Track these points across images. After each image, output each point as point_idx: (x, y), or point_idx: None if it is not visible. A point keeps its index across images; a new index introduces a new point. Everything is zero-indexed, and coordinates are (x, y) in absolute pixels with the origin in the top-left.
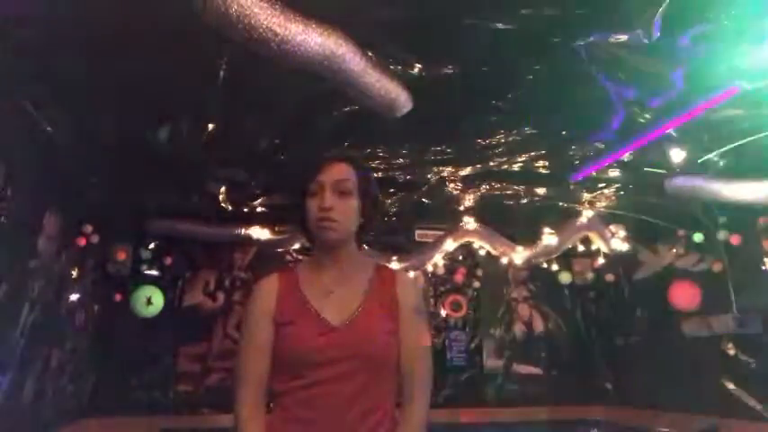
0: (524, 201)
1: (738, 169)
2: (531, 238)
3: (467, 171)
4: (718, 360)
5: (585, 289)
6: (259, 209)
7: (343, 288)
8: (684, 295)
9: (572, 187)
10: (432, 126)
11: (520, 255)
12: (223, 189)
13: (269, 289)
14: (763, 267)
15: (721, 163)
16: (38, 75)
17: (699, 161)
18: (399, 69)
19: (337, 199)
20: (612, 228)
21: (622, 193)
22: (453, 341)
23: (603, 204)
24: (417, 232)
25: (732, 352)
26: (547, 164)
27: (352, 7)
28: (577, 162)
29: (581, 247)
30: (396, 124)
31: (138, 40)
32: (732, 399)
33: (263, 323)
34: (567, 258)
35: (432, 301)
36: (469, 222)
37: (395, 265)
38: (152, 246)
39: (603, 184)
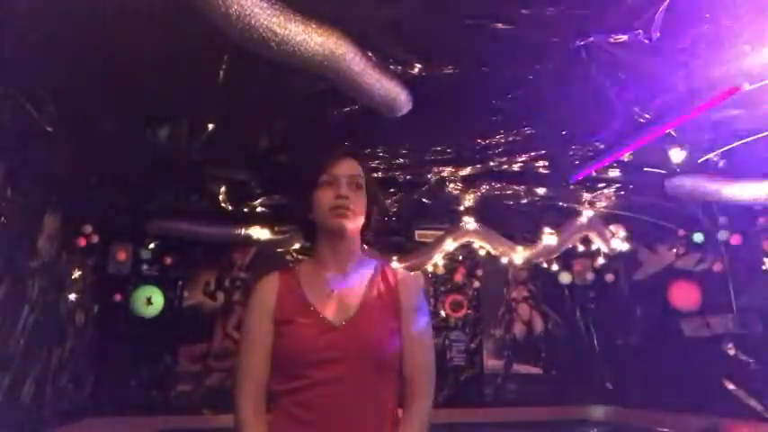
0: (524, 201)
1: (738, 169)
2: (531, 238)
3: (467, 171)
4: (719, 360)
5: (585, 289)
6: (259, 209)
7: (344, 287)
8: (684, 295)
9: (572, 187)
10: (432, 126)
11: (520, 255)
12: (223, 189)
13: (269, 288)
14: (763, 267)
15: (721, 163)
16: (38, 74)
17: (699, 161)
18: (399, 69)
19: (351, 191)
20: (612, 228)
21: (622, 193)
22: (453, 341)
23: (603, 204)
24: (417, 232)
25: (732, 352)
26: (547, 164)
27: (352, 7)
28: (577, 162)
29: (581, 247)
30: (396, 124)
31: (139, 39)
32: (732, 399)
33: (263, 323)
34: (567, 258)
35: (432, 301)
36: (469, 222)
37: (395, 265)
38: (152, 246)
39: (603, 184)
